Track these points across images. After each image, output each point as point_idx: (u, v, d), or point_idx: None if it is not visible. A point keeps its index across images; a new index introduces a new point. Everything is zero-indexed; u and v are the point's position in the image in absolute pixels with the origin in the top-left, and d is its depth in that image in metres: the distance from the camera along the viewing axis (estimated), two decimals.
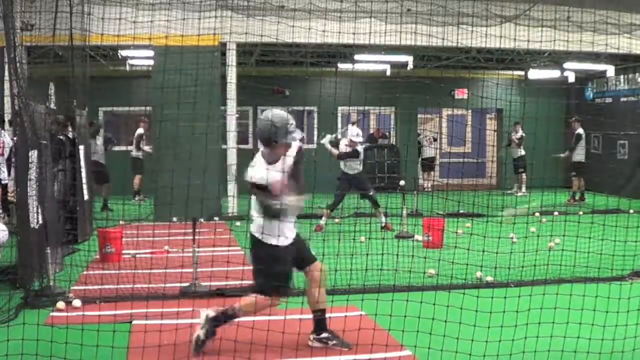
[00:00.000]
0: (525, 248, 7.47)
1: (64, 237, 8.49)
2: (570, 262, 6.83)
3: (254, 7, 12.02)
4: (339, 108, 17.78)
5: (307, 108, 17.98)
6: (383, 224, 11.08)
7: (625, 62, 16.63)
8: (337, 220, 11.22)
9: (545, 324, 4.88)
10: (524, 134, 16.79)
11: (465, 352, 4.62)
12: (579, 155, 15.70)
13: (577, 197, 15.63)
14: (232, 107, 13.04)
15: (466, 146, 19.18)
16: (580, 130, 15.65)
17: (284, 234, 4.87)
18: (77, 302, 6.21)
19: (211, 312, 4.90)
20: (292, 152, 4.89)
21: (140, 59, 15.57)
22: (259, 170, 4.79)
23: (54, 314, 5.92)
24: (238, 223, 11.61)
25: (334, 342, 5.03)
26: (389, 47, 13.18)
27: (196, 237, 6.76)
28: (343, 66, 17.06)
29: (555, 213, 12.12)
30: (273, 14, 11.69)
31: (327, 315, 5.09)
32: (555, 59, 16.65)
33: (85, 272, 7.63)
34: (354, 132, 11.19)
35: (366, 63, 16.93)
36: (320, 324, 5.06)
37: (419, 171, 18.63)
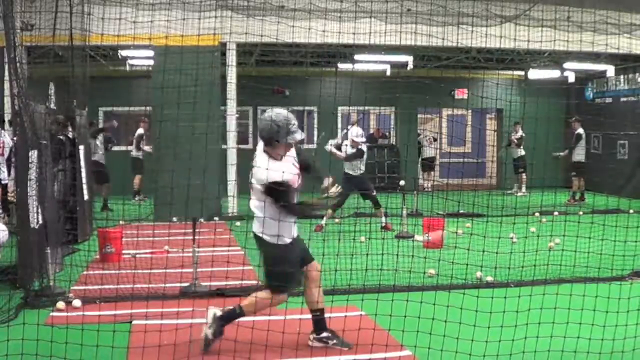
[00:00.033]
0: (525, 248, 7.48)
1: (64, 237, 8.49)
2: (570, 262, 6.83)
3: (254, 7, 12.02)
4: (339, 108, 17.79)
5: (307, 108, 17.98)
6: (383, 224, 11.08)
7: (625, 62, 16.63)
8: (337, 220, 11.22)
9: (545, 324, 4.88)
10: (523, 134, 16.79)
11: (465, 352, 4.62)
12: (579, 155, 15.70)
13: (577, 197, 15.63)
14: (232, 107, 13.04)
15: (466, 146, 19.18)
16: (580, 130, 15.65)
17: (287, 233, 4.87)
18: (77, 302, 6.21)
19: (218, 311, 4.91)
20: (292, 152, 4.91)
21: (140, 59, 15.57)
22: (275, 169, 4.74)
23: (54, 314, 5.92)
24: (238, 223, 11.61)
25: (334, 341, 5.03)
26: (389, 47, 13.18)
27: (196, 237, 6.76)
28: (343, 66, 17.06)
29: (555, 213, 12.12)
30: (273, 14, 11.69)
31: (327, 315, 5.09)
32: (555, 59, 16.65)
33: (85, 272, 7.63)
34: (355, 133, 11.17)
35: (366, 63, 16.92)
36: (319, 323, 5.06)
37: (419, 171, 18.63)
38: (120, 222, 10.58)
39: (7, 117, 10.44)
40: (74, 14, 9.74)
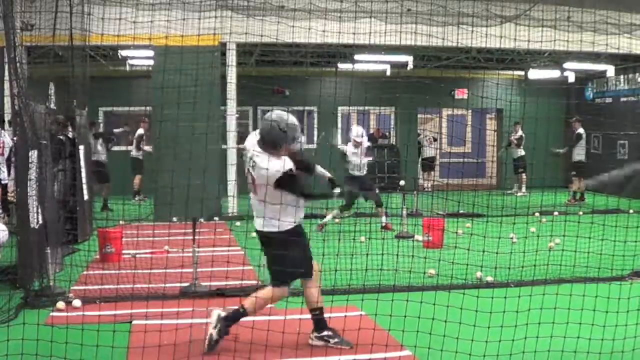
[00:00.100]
0: (525, 248, 7.48)
1: (64, 237, 8.49)
2: (570, 262, 6.83)
3: (254, 7, 12.02)
4: (339, 108, 17.78)
5: (307, 108, 17.98)
6: (383, 224, 11.08)
7: (625, 62, 16.63)
8: (337, 220, 11.22)
9: (545, 324, 4.88)
10: (523, 134, 16.79)
11: (465, 352, 4.62)
12: (579, 155, 15.70)
13: (577, 197, 15.63)
14: (232, 107, 13.04)
15: (466, 146, 19.18)
16: (580, 130, 15.65)
17: (293, 217, 4.89)
18: (77, 302, 6.21)
19: (222, 312, 4.91)
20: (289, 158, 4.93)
21: (140, 59, 15.57)
22: (279, 163, 4.79)
23: (54, 314, 5.92)
24: (238, 223, 11.61)
25: (335, 340, 5.03)
26: (389, 47, 13.18)
27: (196, 237, 6.76)
28: (343, 66, 17.06)
29: (555, 213, 12.12)
30: (273, 14, 11.69)
31: (327, 315, 5.09)
32: (555, 59, 16.65)
33: (85, 272, 7.63)
34: (355, 132, 11.15)
35: (366, 63, 16.92)
36: (320, 322, 5.07)
37: (419, 171, 18.63)
38: (120, 222, 10.58)
39: (7, 117, 10.44)
40: (74, 14, 9.74)
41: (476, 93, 18.01)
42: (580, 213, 11.98)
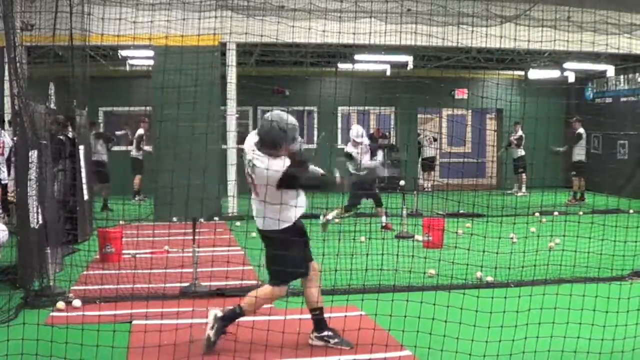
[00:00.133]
0: (526, 248, 7.47)
1: (64, 237, 8.49)
2: (570, 262, 6.83)
3: (254, 7, 12.02)
4: (339, 108, 17.78)
5: (307, 108, 17.98)
6: (383, 224, 11.07)
7: (625, 62, 16.63)
8: (337, 220, 11.22)
9: (545, 324, 4.88)
10: (523, 135, 16.79)
11: (465, 352, 4.62)
12: (580, 155, 15.70)
13: (577, 197, 15.63)
14: (232, 107, 13.04)
15: (466, 146, 19.19)
16: (581, 130, 15.66)
17: (292, 215, 4.91)
18: (77, 302, 6.21)
19: (219, 312, 4.91)
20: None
21: (140, 59, 15.57)
22: (279, 163, 4.80)
23: (54, 314, 5.92)
24: (238, 223, 11.60)
25: (336, 340, 5.03)
26: (389, 47, 13.18)
27: (196, 237, 6.75)
28: (343, 66, 17.06)
29: (555, 213, 12.12)
30: (273, 14, 11.69)
31: (327, 315, 5.09)
32: (555, 59, 16.65)
33: (85, 272, 7.63)
34: (355, 132, 11.14)
35: (366, 63, 16.92)
36: (320, 322, 5.07)
37: (419, 171, 18.62)
38: (120, 222, 10.58)
39: (7, 117, 10.44)
40: (74, 14, 9.74)
41: (476, 93, 18.01)
42: (581, 213, 11.98)
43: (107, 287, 6.59)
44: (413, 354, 4.83)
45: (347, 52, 15.59)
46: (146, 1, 10.23)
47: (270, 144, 4.81)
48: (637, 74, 16.71)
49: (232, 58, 12.93)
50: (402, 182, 11.72)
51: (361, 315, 5.50)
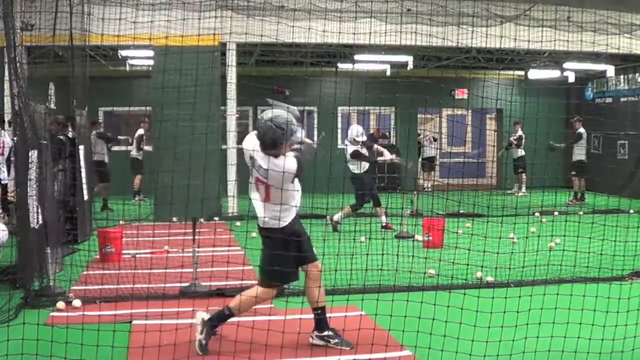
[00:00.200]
0: (526, 248, 7.47)
1: (64, 237, 8.48)
2: (571, 262, 6.82)
3: (254, 7, 12.02)
4: (339, 108, 17.78)
5: (307, 108, 17.97)
6: (383, 224, 11.07)
7: (626, 62, 16.63)
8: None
9: (546, 324, 4.88)
10: (522, 134, 16.80)
11: (465, 352, 4.62)
12: (580, 155, 15.70)
13: (577, 197, 15.63)
14: (232, 107, 13.04)
15: (466, 146, 19.19)
16: (581, 130, 15.67)
17: (293, 212, 4.92)
18: (77, 302, 6.20)
19: (206, 315, 4.90)
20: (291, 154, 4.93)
21: (140, 59, 15.57)
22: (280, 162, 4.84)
23: (54, 314, 5.92)
24: (238, 223, 11.60)
25: (336, 340, 5.03)
26: (389, 47, 13.18)
27: (196, 237, 6.75)
28: (343, 66, 17.06)
29: (556, 213, 12.12)
30: (273, 14, 11.69)
31: (327, 315, 5.09)
32: (556, 59, 16.65)
33: (85, 272, 7.63)
34: (355, 132, 11.13)
35: (366, 63, 16.92)
36: (321, 322, 5.06)
37: (419, 171, 18.62)
38: (120, 222, 10.58)
39: (7, 117, 10.44)
40: (74, 14, 9.74)
41: (476, 93, 18.01)
42: (581, 213, 11.98)
43: (107, 287, 6.59)
44: (413, 354, 4.83)
45: (347, 52, 15.59)
46: (146, 1, 10.22)
47: (271, 144, 4.81)
48: (637, 74, 16.71)
49: (232, 58, 12.93)
50: (409, 164, 11.59)
51: (361, 315, 5.50)
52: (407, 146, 18.55)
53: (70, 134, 9.99)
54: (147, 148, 15.04)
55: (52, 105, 9.01)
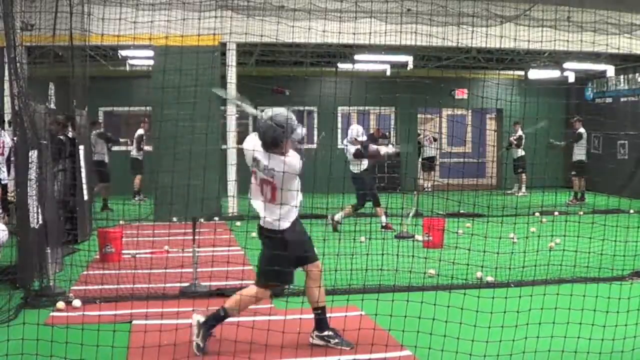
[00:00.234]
0: (526, 248, 7.47)
1: (64, 237, 8.48)
2: (571, 262, 6.82)
3: (254, 7, 12.01)
4: (339, 108, 17.78)
5: (307, 108, 17.98)
6: (383, 224, 11.06)
7: (626, 62, 16.63)
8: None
9: (546, 324, 4.88)
10: (522, 135, 16.79)
11: (465, 352, 4.61)
12: (580, 155, 15.70)
13: (578, 197, 15.63)
14: (232, 107, 13.04)
15: (466, 146, 19.19)
16: (581, 130, 15.68)
17: (294, 214, 4.92)
18: (77, 302, 6.20)
19: (201, 317, 4.89)
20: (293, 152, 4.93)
21: (140, 59, 15.57)
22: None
23: (54, 314, 5.92)
24: (238, 223, 11.60)
25: (336, 341, 5.03)
26: (389, 47, 13.18)
27: (196, 237, 6.75)
28: (343, 66, 17.06)
29: (556, 213, 12.12)
30: (273, 14, 11.69)
31: (328, 315, 5.09)
32: (556, 59, 16.65)
33: (85, 272, 7.63)
34: (356, 132, 11.13)
35: (366, 63, 16.91)
36: (321, 322, 5.06)
37: (419, 171, 18.62)
38: (120, 222, 10.57)
39: (7, 117, 10.44)
40: (74, 14, 9.74)
41: (476, 93, 18.01)
42: (581, 213, 11.98)
43: (107, 287, 6.59)
44: (413, 354, 4.83)
45: (347, 52, 15.59)
46: (146, 1, 10.22)
47: (272, 142, 4.81)
48: (637, 74, 16.70)
49: (232, 58, 12.93)
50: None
51: (361, 315, 5.50)
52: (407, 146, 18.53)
53: (70, 134, 9.99)
54: (147, 148, 15.04)
55: (52, 105, 9.00)
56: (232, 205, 12.94)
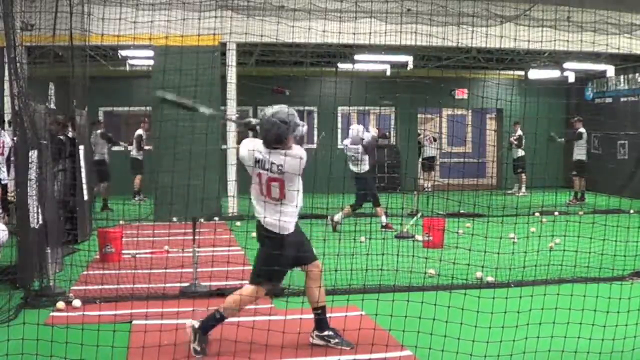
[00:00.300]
0: (526, 248, 7.47)
1: (64, 237, 8.48)
2: (571, 262, 6.82)
3: (254, 7, 12.01)
4: (339, 108, 17.78)
5: (307, 108, 17.96)
6: (384, 224, 11.06)
7: (626, 62, 16.63)
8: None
9: (546, 324, 4.88)
10: (522, 134, 16.79)
11: (466, 352, 4.61)
12: (580, 154, 15.70)
13: (578, 197, 15.63)
14: (232, 107, 13.03)
15: (466, 146, 19.18)
16: (582, 129, 15.68)
17: (292, 219, 4.92)
18: (77, 302, 6.20)
19: (195, 323, 4.86)
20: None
21: (140, 59, 15.56)
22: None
23: (54, 314, 5.91)
24: (238, 223, 11.60)
25: (336, 341, 5.03)
26: (389, 47, 13.17)
27: (196, 237, 6.75)
28: (343, 66, 17.05)
29: (556, 213, 12.12)
30: (273, 14, 11.69)
31: (328, 315, 5.09)
32: (556, 59, 16.64)
33: (85, 272, 7.63)
34: (355, 131, 11.13)
35: (366, 63, 16.91)
36: (321, 322, 5.06)
37: (419, 171, 18.61)
38: (120, 222, 10.57)
39: (7, 117, 10.43)
40: (74, 14, 9.74)
41: (476, 93, 18.00)
42: (581, 213, 11.98)
43: (107, 287, 6.59)
44: (413, 354, 4.82)
45: (347, 52, 15.58)
46: (146, 1, 10.22)
47: (276, 139, 4.80)
48: (637, 74, 16.70)
49: (232, 58, 12.93)
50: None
51: (362, 315, 5.49)
52: (408, 146, 18.55)
53: (70, 134, 9.99)
54: (147, 148, 15.04)
55: (52, 105, 9.00)
56: (232, 205, 12.94)
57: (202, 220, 9.47)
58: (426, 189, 17.82)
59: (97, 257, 8.47)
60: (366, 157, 11.14)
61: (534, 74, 18.23)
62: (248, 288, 4.98)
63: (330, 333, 5.05)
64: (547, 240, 8.29)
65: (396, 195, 14.80)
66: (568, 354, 4.70)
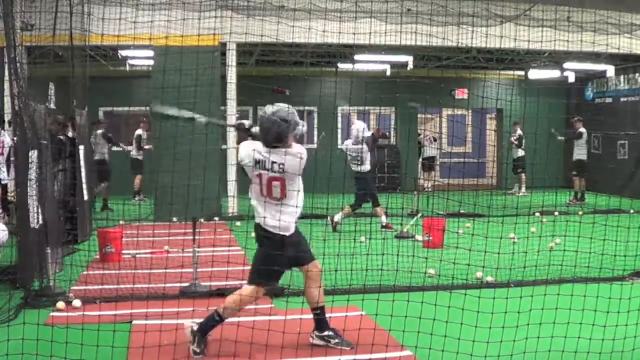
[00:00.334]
0: (526, 248, 7.46)
1: (64, 237, 8.48)
2: (571, 262, 6.82)
3: (254, 7, 12.01)
4: (339, 108, 17.77)
5: (307, 108, 17.96)
6: (384, 224, 11.06)
7: (626, 62, 16.63)
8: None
9: (546, 325, 4.88)
10: (522, 134, 16.79)
11: (466, 352, 4.61)
12: (580, 154, 15.70)
13: (578, 197, 15.62)
14: (232, 107, 13.03)
15: (466, 146, 19.18)
16: (582, 129, 15.68)
17: (293, 220, 4.92)
18: (77, 302, 6.20)
19: (194, 325, 4.85)
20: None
21: (140, 59, 15.56)
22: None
23: (54, 314, 5.91)
24: (238, 223, 11.60)
25: (336, 341, 5.02)
26: (389, 47, 13.17)
27: (196, 237, 6.75)
28: (343, 66, 17.05)
29: (556, 213, 12.12)
30: (273, 14, 11.69)
31: (328, 315, 5.09)
32: (556, 59, 16.64)
33: (85, 272, 7.63)
34: (356, 131, 11.12)
35: (366, 63, 16.91)
36: (321, 322, 5.06)
37: (419, 171, 18.61)
38: (120, 222, 10.57)
39: (7, 117, 10.43)
40: (74, 14, 9.74)
41: (476, 93, 18.00)
42: (581, 213, 11.97)
43: (107, 287, 6.59)
44: (414, 354, 4.82)
45: (347, 52, 15.58)
46: (146, 1, 10.22)
47: (276, 138, 4.79)
48: (637, 74, 16.70)
49: (232, 58, 12.93)
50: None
51: (362, 315, 5.49)
52: (407, 146, 18.56)
53: (70, 134, 9.98)
54: (147, 147, 15.04)
55: (52, 105, 9.00)
56: (232, 205, 12.93)
57: (202, 220, 9.47)
58: (426, 189, 17.82)
59: (97, 257, 8.47)
60: (368, 156, 11.14)
61: (534, 74, 18.23)
62: (247, 288, 4.98)
63: (330, 333, 5.05)
64: (547, 240, 8.29)
65: (396, 195, 14.80)
66: (568, 354, 4.70)
